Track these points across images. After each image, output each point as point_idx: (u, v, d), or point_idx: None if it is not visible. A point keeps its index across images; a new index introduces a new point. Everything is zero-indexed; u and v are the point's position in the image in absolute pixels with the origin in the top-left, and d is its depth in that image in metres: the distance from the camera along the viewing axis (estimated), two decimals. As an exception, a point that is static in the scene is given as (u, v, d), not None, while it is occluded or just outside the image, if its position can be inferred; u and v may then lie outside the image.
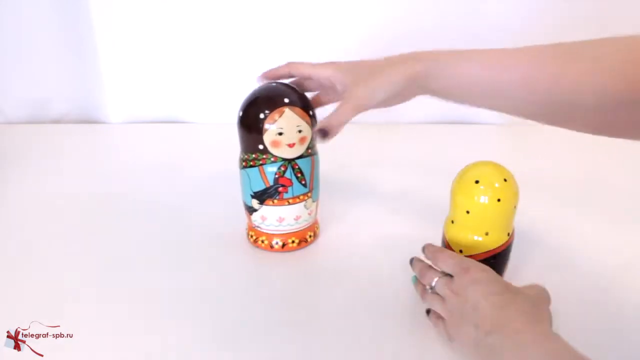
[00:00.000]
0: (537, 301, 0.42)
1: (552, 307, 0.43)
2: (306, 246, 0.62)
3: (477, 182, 0.46)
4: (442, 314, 0.44)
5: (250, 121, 0.54)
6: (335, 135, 0.49)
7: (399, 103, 0.53)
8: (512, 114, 0.48)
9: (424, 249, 0.50)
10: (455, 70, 0.49)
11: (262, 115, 0.53)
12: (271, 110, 0.53)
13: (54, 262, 0.59)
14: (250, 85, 0.57)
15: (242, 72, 1.02)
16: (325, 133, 0.48)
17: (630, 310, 0.50)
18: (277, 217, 0.58)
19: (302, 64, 0.55)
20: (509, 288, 0.42)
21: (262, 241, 0.61)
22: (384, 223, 0.65)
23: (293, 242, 0.60)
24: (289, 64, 0.56)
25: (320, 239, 0.64)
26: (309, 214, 0.61)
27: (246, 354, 0.46)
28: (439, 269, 0.47)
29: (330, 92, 0.57)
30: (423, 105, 1.13)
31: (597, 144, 0.98)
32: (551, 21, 0.99)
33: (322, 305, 0.52)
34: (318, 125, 0.49)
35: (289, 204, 0.58)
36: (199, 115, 1.11)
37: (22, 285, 0.55)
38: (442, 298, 0.44)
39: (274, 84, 0.56)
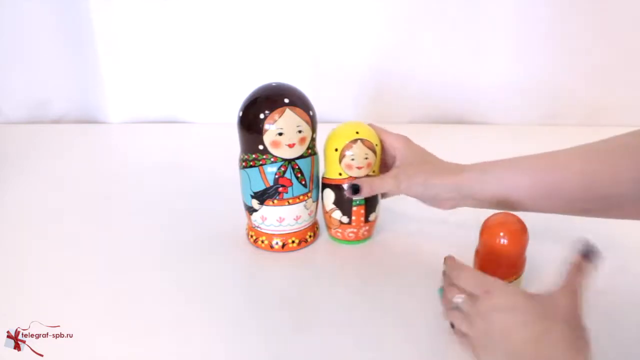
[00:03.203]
0: (572, 323, 0.38)
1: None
2: (306, 246, 0.62)
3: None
4: (468, 333, 0.41)
5: (250, 121, 0.54)
6: (363, 196, 0.57)
7: (438, 206, 0.56)
8: (565, 212, 0.50)
9: (445, 261, 0.47)
10: (503, 177, 0.51)
11: (262, 116, 0.53)
12: (271, 111, 0.53)
13: (54, 262, 0.59)
14: (250, 85, 0.57)
15: (242, 72, 1.02)
16: (357, 190, 0.56)
17: (628, 311, 0.51)
18: (277, 217, 0.58)
19: (379, 127, 0.59)
20: (538, 314, 0.38)
21: (262, 241, 0.61)
22: (384, 222, 0.65)
23: (293, 242, 0.61)
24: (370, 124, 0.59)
25: (321, 239, 0.64)
26: (309, 214, 0.61)
27: (246, 354, 0.46)
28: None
29: (388, 159, 0.60)
30: (423, 105, 1.13)
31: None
32: (552, 20, 0.99)
33: (323, 306, 0.52)
34: (355, 181, 0.56)
35: (289, 204, 0.58)
36: (199, 115, 1.11)
37: (22, 285, 0.55)
38: (465, 316, 0.42)
39: (274, 84, 0.56)
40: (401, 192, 0.56)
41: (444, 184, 0.52)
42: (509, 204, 0.51)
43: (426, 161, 0.56)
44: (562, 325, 0.37)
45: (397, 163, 0.58)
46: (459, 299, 0.42)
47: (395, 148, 0.58)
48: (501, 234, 0.49)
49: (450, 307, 0.44)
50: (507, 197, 0.50)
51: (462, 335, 0.43)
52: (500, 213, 0.51)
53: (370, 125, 0.59)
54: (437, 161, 0.57)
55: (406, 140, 0.58)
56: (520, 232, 0.49)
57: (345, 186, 0.57)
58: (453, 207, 0.55)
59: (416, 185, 0.54)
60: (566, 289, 0.40)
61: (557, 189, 0.48)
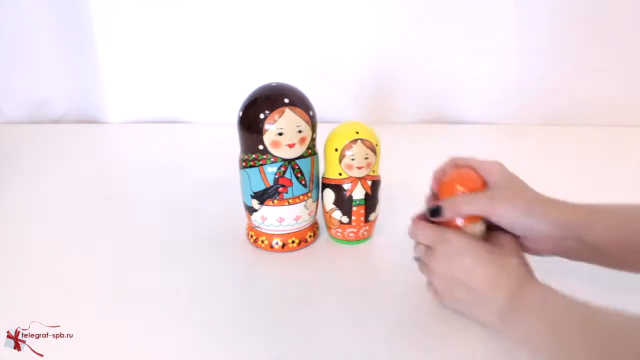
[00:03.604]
0: (519, 256, 0.45)
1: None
2: (306, 246, 0.62)
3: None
4: (429, 279, 0.48)
5: (250, 121, 0.54)
6: (444, 218, 0.47)
7: (530, 246, 0.47)
8: None
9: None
10: (620, 220, 0.45)
11: (262, 116, 0.53)
12: (271, 111, 0.53)
13: (54, 262, 0.59)
14: (250, 85, 0.57)
15: (241, 72, 1.03)
16: (437, 212, 0.47)
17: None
18: (277, 217, 0.58)
19: (466, 157, 0.51)
20: (493, 253, 0.44)
21: (262, 241, 0.61)
22: (384, 222, 0.65)
23: (293, 242, 0.61)
24: (454, 159, 0.52)
25: (321, 239, 0.64)
26: (309, 214, 0.61)
27: (246, 354, 0.46)
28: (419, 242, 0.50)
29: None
30: (423, 105, 1.13)
31: (595, 142, 0.99)
32: (552, 21, 0.99)
33: (322, 305, 0.52)
34: (437, 203, 0.48)
35: (289, 204, 0.58)
36: (199, 115, 1.11)
37: (22, 285, 0.55)
38: (425, 266, 0.49)
39: (274, 84, 0.56)
40: (493, 217, 0.46)
41: (551, 216, 0.45)
42: (625, 251, 0.44)
43: (526, 189, 0.48)
44: (513, 259, 0.44)
45: (491, 186, 0.48)
46: (418, 252, 0.50)
47: (489, 171, 0.49)
48: (460, 187, 0.48)
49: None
50: (628, 240, 0.43)
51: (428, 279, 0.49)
52: (460, 169, 0.50)
53: (457, 159, 0.52)
54: (537, 192, 0.48)
55: (501, 165, 0.50)
56: (481, 188, 0.48)
57: (426, 208, 0.50)
58: (548, 250, 0.47)
59: (515, 211, 0.46)
60: (504, 235, 0.47)
61: None
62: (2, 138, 1.01)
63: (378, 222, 0.63)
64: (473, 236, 0.47)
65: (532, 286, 0.42)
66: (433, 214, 0.48)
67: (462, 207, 0.47)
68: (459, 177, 0.49)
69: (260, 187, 0.57)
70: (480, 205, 0.46)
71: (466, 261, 0.44)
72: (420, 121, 1.08)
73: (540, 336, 0.39)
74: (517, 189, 0.48)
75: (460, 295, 0.45)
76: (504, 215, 0.46)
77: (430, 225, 0.48)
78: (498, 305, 0.42)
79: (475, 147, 0.97)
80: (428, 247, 0.48)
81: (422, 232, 0.49)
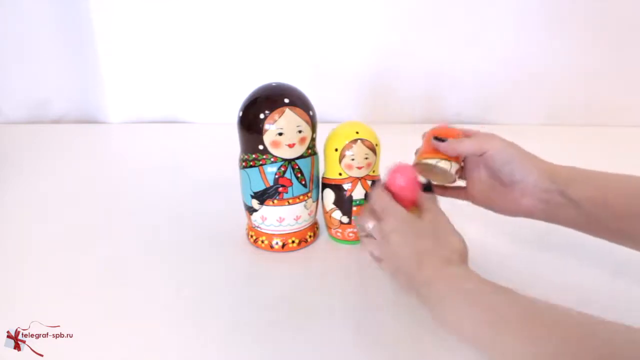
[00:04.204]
0: (442, 239, 0.45)
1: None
2: (306, 246, 0.62)
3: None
4: (380, 257, 0.48)
5: (250, 121, 0.54)
6: (446, 148, 0.50)
7: (512, 203, 0.49)
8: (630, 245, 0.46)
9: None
10: (605, 181, 0.45)
11: (262, 116, 0.53)
12: (271, 111, 0.53)
13: (53, 262, 0.59)
14: (251, 85, 0.57)
15: (242, 72, 1.03)
16: (442, 140, 0.50)
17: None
18: (277, 217, 0.58)
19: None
20: (418, 234, 0.45)
21: (262, 241, 0.61)
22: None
23: (293, 242, 0.61)
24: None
25: (321, 239, 0.64)
26: (309, 214, 0.61)
27: (246, 354, 0.46)
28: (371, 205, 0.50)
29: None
30: (423, 105, 1.13)
31: (595, 142, 0.98)
32: (552, 21, 0.99)
33: (322, 306, 0.52)
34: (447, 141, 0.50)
35: (289, 204, 0.58)
36: (199, 115, 1.11)
37: (22, 285, 0.55)
38: (377, 242, 0.48)
39: (274, 84, 0.56)
40: (492, 148, 0.47)
41: (542, 167, 0.46)
42: (599, 213, 0.44)
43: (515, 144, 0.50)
44: (436, 241, 0.44)
45: (482, 132, 0.51)
46: (370, 225, 0.48)
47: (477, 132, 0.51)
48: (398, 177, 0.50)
49: (364, 235, 0.50)
50: (605, 200, 0.44)
51: (379, 260, 0.48)
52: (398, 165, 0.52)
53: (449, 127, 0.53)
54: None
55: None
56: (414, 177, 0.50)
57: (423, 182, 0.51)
58: (531, 206, 0.48)
59: (511, 151, 0.47)
60: (438, 213, 0.47)
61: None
62: (2, 138, 1.01)
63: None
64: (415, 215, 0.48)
65: (448, 269, 0.42)
66: (438, 139, 0.50)
67: (462, 145, 0.49)
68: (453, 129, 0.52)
69: (260, 187, 0.57)
70: (480, 138, 0.48)
71: (398, 240, 0.45)
72: (420, 121, 1.08)
73: (459, 315, 0.40)
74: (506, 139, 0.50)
75: (400, 272, 0.46)
76: (502, 150, 0.47)
77: (387, 194, 0.49)
78: (418, 287, 0.43)
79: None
80: (377, 219, 0.48)
81: (379, 198, 0.49)
